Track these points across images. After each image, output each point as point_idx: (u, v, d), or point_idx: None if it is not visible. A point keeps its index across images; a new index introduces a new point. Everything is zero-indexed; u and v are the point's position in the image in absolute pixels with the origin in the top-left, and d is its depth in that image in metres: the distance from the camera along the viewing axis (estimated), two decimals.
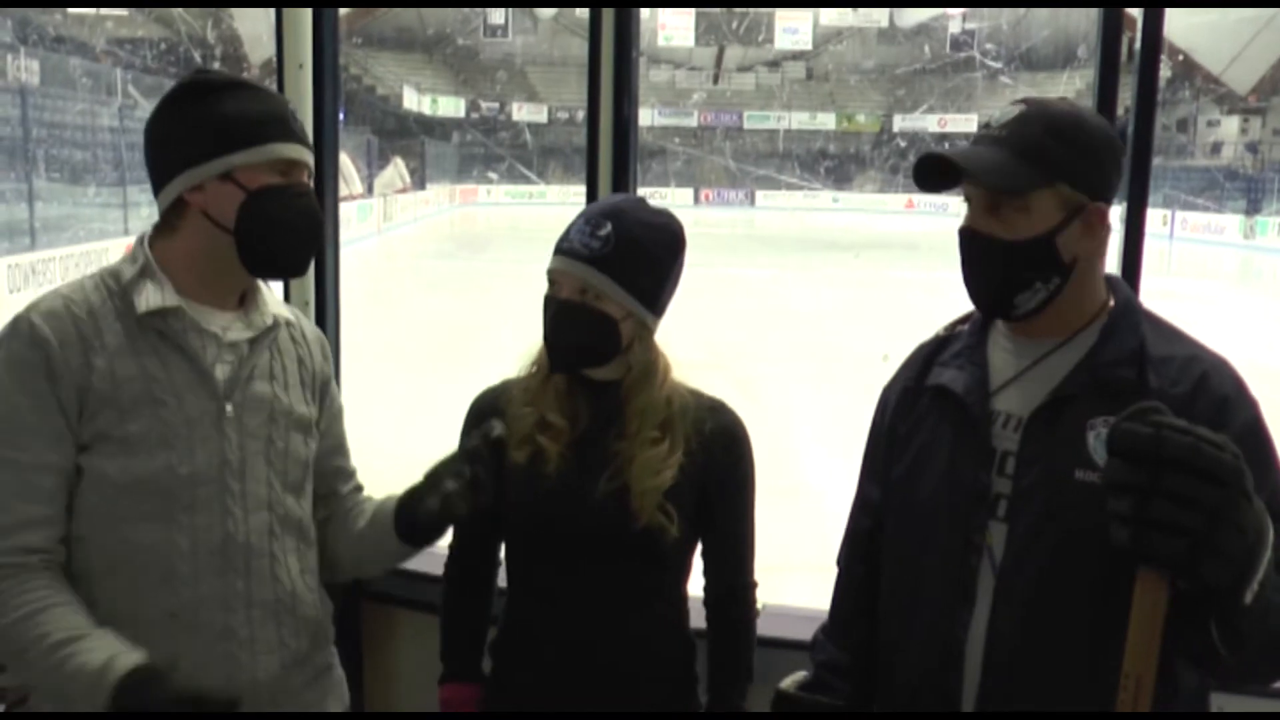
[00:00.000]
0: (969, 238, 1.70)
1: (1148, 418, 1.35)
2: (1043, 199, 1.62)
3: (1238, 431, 1.52)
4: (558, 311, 2.03)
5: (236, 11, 28.60)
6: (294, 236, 1.90)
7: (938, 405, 1.79)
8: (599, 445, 2.06)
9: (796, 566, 6.39)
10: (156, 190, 1.87)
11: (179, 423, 1.78)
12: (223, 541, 1.81)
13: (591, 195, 2.86)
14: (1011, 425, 1.70)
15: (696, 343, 13.70)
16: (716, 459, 2.10)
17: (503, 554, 2.20)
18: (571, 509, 2.03)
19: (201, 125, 1.82)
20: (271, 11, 3.08)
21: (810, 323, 16.69)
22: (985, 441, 1.71)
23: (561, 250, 2.03)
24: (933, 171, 1.68)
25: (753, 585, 2.21)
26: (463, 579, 2.24)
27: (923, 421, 1.81)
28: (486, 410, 2.13)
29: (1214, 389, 1.59)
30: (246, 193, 1.82)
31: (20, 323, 1.74)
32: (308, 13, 3.04)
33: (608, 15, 2.83)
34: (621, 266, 2.01)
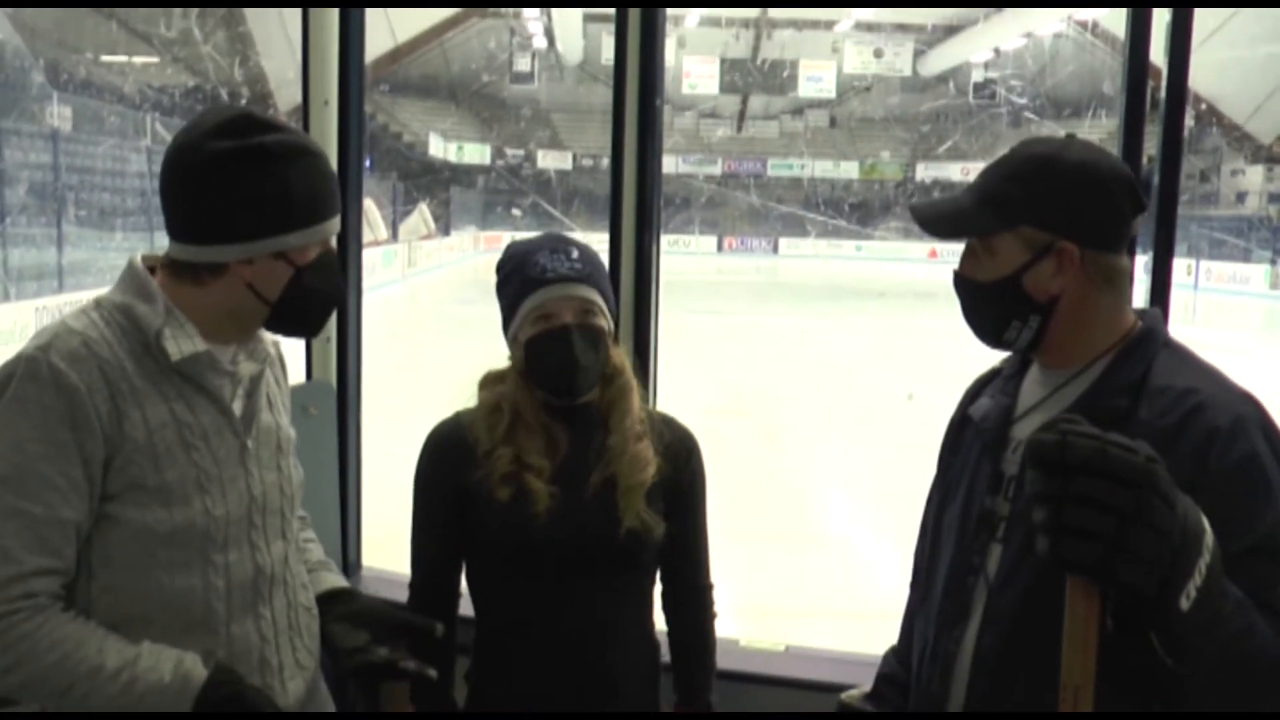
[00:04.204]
0: (954, 279, 1.81)
1: (1057, 427, 1.36)
2: (1005, 241, 1.71)
3: (1229, 465, 1.55)
4: (573, 338, 2.08)
5: (262, 48, 28.79)
6: (326, 306, 1.91)
7: (972, 434, 1.87)
8: (584, 461, 2.13)
9: (822, 613, 6.38)
10: (186, 238, 1.77)
11: (209, 465, 1.75)
12: (253, 576, 1.81)
13: (615, 232, 2.88)
14: (1019, 450, 1.74)
15: (720, 390, 13.71)
16: (678, 468, 2.21)
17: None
18: (562, 532, 2.09)
19: (265, 201, 1.74)
20: (298, 53, 3.12)
21: (834, 370, 16.66)
22: (997, 467, 1.78)
23: (550, 280, 2.08)
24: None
25: (711, 587, 2.32)
26: (433, 615, 2.18)
27: (960, 450, 1.89)
28: (451, 453, 2.17)
29: (1204, 421, 1.58)
30: (295, 269, 1.80)
31: (37, 364, 1.64)
32: (334, 47, 3.07)
33: (633, 16, 2.87)
34: (599, 282, 2.13)
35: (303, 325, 1.92)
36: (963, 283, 1.78)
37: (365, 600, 2.00)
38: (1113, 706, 1.46)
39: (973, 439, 1.86)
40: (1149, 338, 1.73)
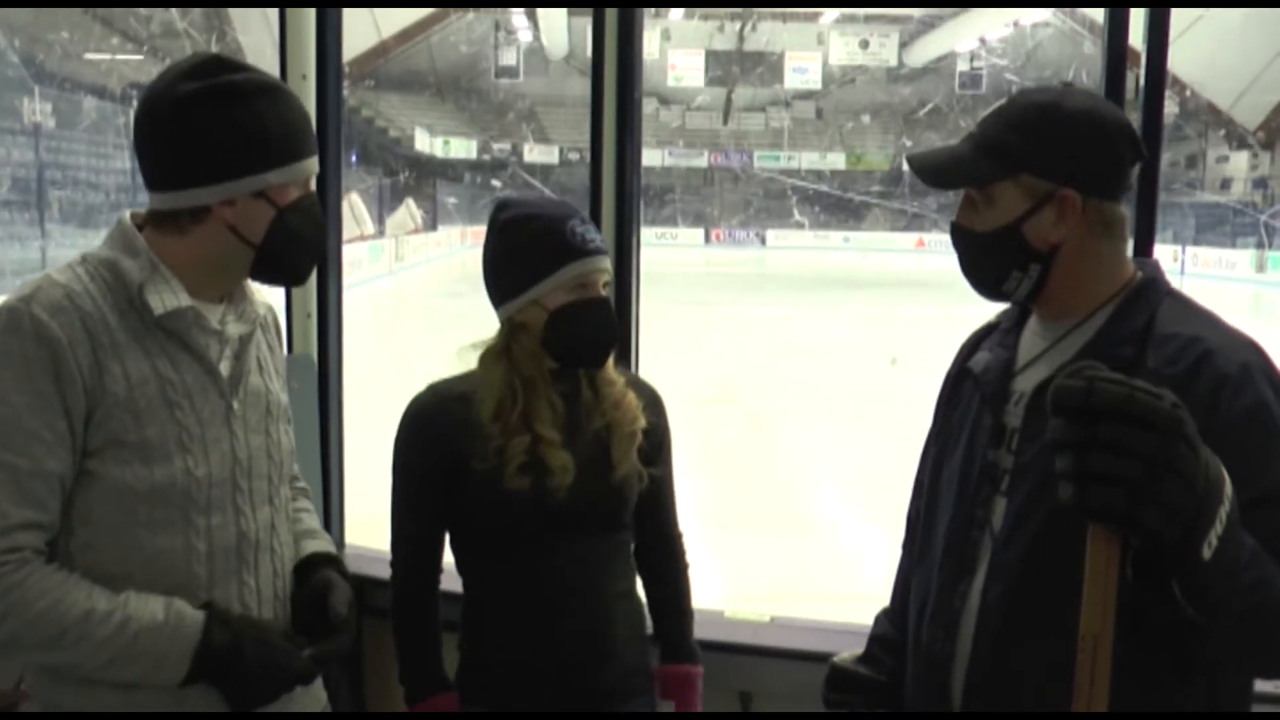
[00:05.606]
0: (951, 230, 1.78)
1: (1082, 373, 1.32)
2: (1005, 190, 1.69)
3: (1238, 413, 1.54)
4: (608, 310, 2.16)
5: (239, 24, 28.59)
6: (311, 249, 1.88)
7: (971, 387, 1.85)
8: (577, 421, 2.17)
9: (809, 595, 6.40)
10: (165, 186, 1.76)
11: (192, 424, 1.74)
12: (237, 541, 1.79)
13: (595, 221, 2.89)
14: (1023, 403, 1.73)
15: (709, 379, 13.72)
16: (650, 425, 2.25)
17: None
18: (570, 498, 2.11)
19: (241, 138, 1.73)
20: (275, 28, 3.11)
21: (822, 358, 16.67)
22: (999, 419, 1.76)
23: (589, 251, 2.12)
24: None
25: (681, 535, 2.39)
26: (419, 592, 2.24)
27: (960, 403, 1.87)
28: (437, 429, 2.17)
29: (1214, 369, 1.57)
30: (277, 209, 1.78)
31: (19, 315, 1.63)
32: (311, 16, 3.07)
33: (611, 16, 2.87)
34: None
35: (288, 271, 1.90)
36: (961, 233, 1.76)
37: (318, 578, 1.92)
38: (1133, 660, 1.44)
39: (972, 392, 1.84)
40: (1151, 286, 1.72)
